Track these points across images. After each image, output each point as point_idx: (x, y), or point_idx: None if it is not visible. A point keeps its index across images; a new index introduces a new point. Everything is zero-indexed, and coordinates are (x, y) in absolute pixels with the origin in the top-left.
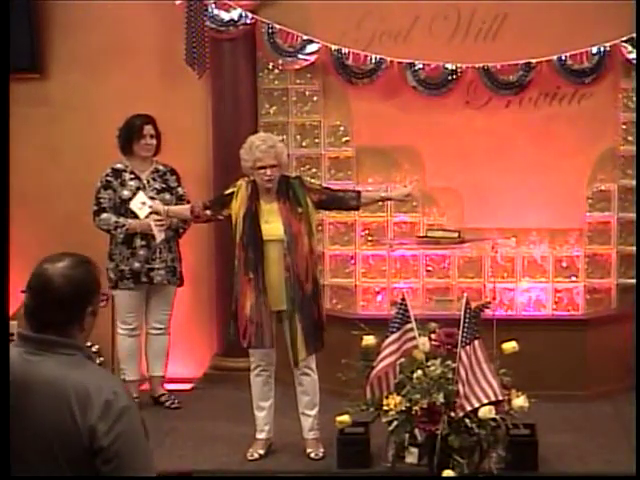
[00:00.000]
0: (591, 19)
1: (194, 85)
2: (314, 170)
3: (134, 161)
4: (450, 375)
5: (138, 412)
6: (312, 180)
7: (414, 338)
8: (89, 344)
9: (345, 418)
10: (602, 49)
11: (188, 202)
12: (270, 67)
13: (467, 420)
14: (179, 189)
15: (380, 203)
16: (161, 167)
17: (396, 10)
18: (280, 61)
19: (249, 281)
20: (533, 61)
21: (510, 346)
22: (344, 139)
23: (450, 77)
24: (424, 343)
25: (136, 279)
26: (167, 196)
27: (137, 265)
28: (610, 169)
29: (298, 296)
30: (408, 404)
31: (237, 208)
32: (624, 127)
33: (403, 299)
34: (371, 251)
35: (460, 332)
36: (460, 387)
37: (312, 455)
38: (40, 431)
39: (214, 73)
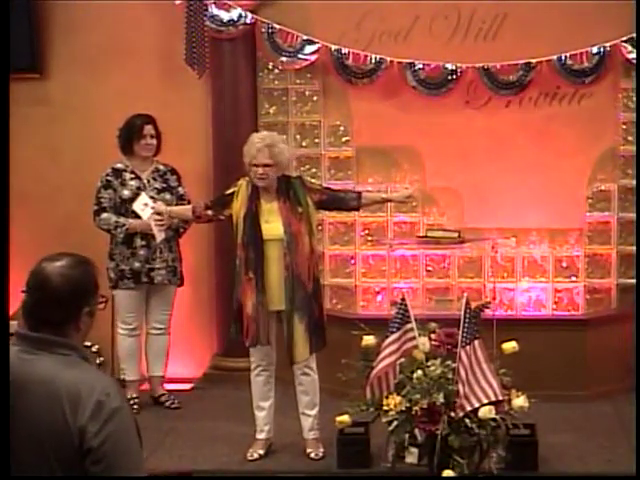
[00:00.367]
0: (591, 19)
1: (194, 85)
2: (314, 170)
3: (134, 161)
4: (450, 375)
5: (131, 413)
6: (312, 180)
7: (414, 338)
8: (89, 344)
9: (345, 418)
10: (602, 49)
11: (188, 202)
12: (270, 67)
13: (467, 420)
14: (179, 189)
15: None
16: (161, 167)
17: (396, 10)
18: (280, 61)
19: (249, 280)
20: (533, 61)
21: (510, 346)
22: (344, 139)
23: (450, 77)
24: (424, 343)
25: (136, 279)
26: (167, 196)
27: (137, 265)
28: (610, 169)
29: (298, 296)
30: (408, 404)
31: (238, 208)
32: (624, 127)
33: (403, 299)
34: (371, 251)
35: (460, 332)
36: (460, 387)
37: (312, 455)
38: (33, 430)
39: (214, 73)
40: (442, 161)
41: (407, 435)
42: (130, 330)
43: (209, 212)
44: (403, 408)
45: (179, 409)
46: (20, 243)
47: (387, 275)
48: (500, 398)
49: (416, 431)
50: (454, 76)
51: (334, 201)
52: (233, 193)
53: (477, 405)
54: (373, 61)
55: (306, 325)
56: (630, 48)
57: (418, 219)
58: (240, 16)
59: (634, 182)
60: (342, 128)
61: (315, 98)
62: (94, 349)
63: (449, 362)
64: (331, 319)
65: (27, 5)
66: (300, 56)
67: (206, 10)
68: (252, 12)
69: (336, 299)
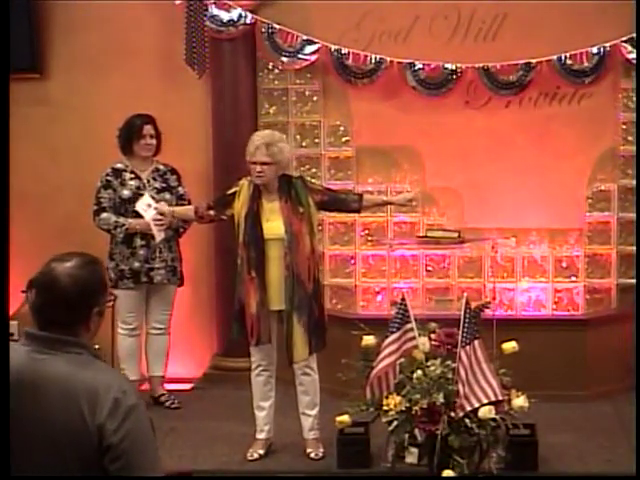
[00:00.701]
0: (591, 19)
1: (194, 85)
2: (314, 170)
3: (134, 161)
4: (450, 375)
5: (146, 410)
6: (313, 181)
7: (414, 338)
8: None
9: (345, 418)
10: (602, 49)
11: (189, 201)
12: (270, 67)
13: (467, 420)
14: (179, 189)
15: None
16: (161, 167)
17: (396, 10)
18: (280, 61)
19: (252, 280)
20: (533, 61)
21: (510, 346)
22: (344, 139)
23: (450, 77)
24: (424, 343)
25: (136, 279)
26: (167, 196)
27: (137, 265)
28: (610, 169)
29: (298, 295)
30: (408, 404)
31: (239, 207)
32: (624, 127)
33: (403, 299)
34: (371, 251)
35: (460, 332)
36: (460, 387)
37: (312, 455)
38: (48, 430)
39: (214, 73)
40: (442, 161)
41: (407, 435)
42: (130, 330)
43: (211, 212)
44: (403, 408)
45: (179, 409)
46: (20, 243)
47: (387, 275)
48: (500, 398)
49: (416, 431)
50: (454, 76)
51: (335, 202)
52: (235, 193)
53: (477, 405)
54: (373, 61)
55: (305, 325)
56: (630, 48)
57: (418, 219)
58: (240, 16)
59: (634, 182)
60: (342, 128)
61: (315, 98)
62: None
63: (449, 362)
64: (331, 319)
65: (27, 5)
66: (300, 56)
67: (206, 10)
68: (252, 12)
69: (336, 299)
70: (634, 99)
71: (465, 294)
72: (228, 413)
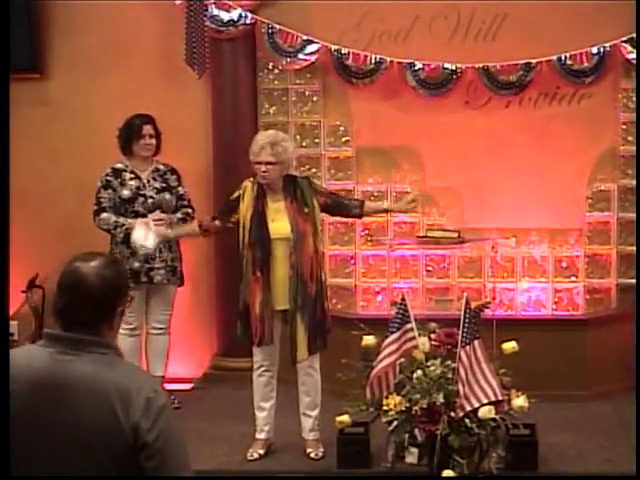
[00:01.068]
0: (591, 19)
1: (194, 85)
2: (314, 170)
3: (134, 161)
4: (450, 375)
5: (173, 410)
6: (317, 183)
7: (414, 338)
8: None
9: (345, 418)
10: (602, 49)
11: (189, 201)
12: (270, 67)
13: (467, 420)
14: (179, 188)
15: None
16: (161, 167)
17: (396, 10)
18: (280, 61)
19: (257, 280)
20: (533, 61)
21: (510, 346)
22: (344, 139)
23: (450, 77)
24: (424, 343)
25: (136, 279)
26: (167, 195)
27: (137, 265)
28: (610, 169)
29: (301, 295)
30: (408, 404)
31: (244, 209)
32: (624, 127)
33: (403, 299)
34: (371, 251)
35: (460, 332)
36: (460, 387)
37: (312, 455)
38: (79, 431)
39: (214, 73)
40: (442, 161)
41: (407, 435)
42: (130, 330)
43: (217, 222)
44: (403, 408)
45: (179, 409)
46: (20, 243)
47: (387, 275)
48: (500, 398)
49: (416, 431)
50: (454, 76)
51: (338, 207)
52: (238, 197)
53: (477, 405)
54: (373, 61)
55: (306, 325)
56: (630, 48)
57: (418, 219)
58: (240, 16)
59: (634, 182)
60: (342, 128)
61: (315, 98)
62: None
63: (449, 362)
64: (331, 319)
65: (27, 5)
66: (300, 56)
67: (206, 10)
68: (252, 12)
69: (336, 299)
70: (634, 99)
71: (465, 294)
72: (228, 413)
